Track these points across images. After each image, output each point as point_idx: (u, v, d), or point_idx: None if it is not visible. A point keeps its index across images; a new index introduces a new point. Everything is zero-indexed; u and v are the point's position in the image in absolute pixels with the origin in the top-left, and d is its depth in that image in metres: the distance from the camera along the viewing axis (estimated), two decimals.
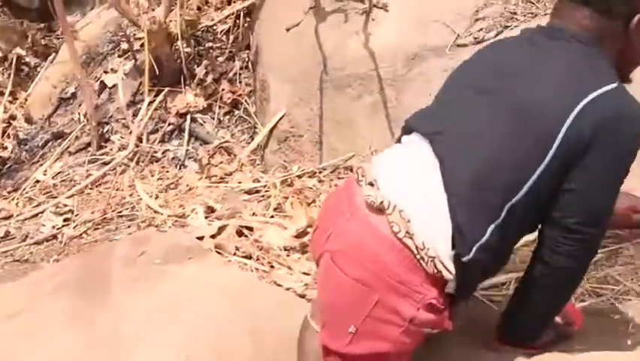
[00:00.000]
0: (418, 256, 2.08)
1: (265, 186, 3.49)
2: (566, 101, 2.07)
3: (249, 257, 2.99)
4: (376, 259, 2.13)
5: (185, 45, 4.09)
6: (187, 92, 4.06)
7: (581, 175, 2.08)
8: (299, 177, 3.53)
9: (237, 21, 4.19)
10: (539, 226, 2.22)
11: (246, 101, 4.04)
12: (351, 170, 3.32)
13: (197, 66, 4.14)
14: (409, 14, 3.48)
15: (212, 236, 3.09)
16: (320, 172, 3.52)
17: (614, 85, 2.09)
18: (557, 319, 2.45)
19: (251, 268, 2.93)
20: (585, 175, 2.08)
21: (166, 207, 3.42)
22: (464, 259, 2.08)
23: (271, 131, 3.74)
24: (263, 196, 3.45)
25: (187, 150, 3.94)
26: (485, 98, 2.19)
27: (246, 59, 4.16)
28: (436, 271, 2.08)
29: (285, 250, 3.02)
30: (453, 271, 2.09)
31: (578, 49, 2.19)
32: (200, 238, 3.07)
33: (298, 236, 3.08)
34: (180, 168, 3.85)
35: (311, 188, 3.44)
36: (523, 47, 2.30)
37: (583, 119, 2.04)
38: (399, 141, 2.37)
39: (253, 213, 3.27)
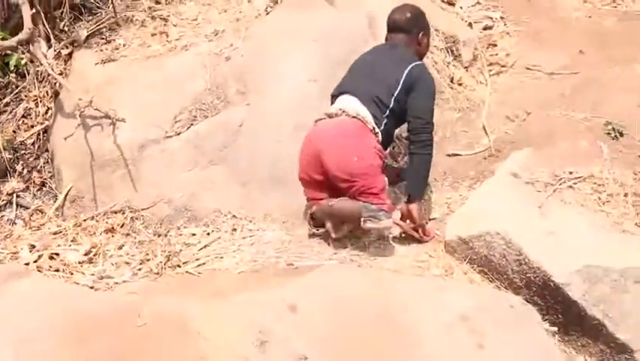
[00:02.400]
0: (362, 120, 3.46)
1: (65, 228, 3.93)
2: (403, 67, 3.59)
3: (58, 270, 3.44)
4: (348, 126, 3.50)
5: (7, 153, 4.51)
6: (12, 181, 4.49)
7: (415, 96, 3.51)
8: (84, 220, 4.06)
9: (39, 136, 4.64)
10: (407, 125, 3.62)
11: (49, 181, 4.53)
12: (116, 212, 3.98)
13: (17, 165, 4.56)
14: (138, 125, 4.27)
15: (35, 261, 3.51)
16: (97, 216, 4.10)
17: (419, 62, 3.65)
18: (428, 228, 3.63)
19: (59, 276, 3.39)
20: (417, 96, 3.51)
21: (5, 248, 3.74)
22: (379, 129, 3.54)
23: (65, 197, 4.26)
24: (64, 235, 3.87)
25: (16, 213, 4.36)
26: (369, 71, 3.65)
27: (47, 158, 4.61)
28: (372, 127, 3.49)
29: (79, 263, 3.51)
30: (378, 129, 3.48)
31: (403, 50, 3.71)
32: (27, 264, 3.44)
33: (86, 254, 3.60)
34: (12, 225, 4.25)
35: (92, 225, 3.98)
36: (383, 50, 3.75)
37: (410, 74, 3.57)
38: (333, 100, 3.73)
39: (58, 245, 3.70)
